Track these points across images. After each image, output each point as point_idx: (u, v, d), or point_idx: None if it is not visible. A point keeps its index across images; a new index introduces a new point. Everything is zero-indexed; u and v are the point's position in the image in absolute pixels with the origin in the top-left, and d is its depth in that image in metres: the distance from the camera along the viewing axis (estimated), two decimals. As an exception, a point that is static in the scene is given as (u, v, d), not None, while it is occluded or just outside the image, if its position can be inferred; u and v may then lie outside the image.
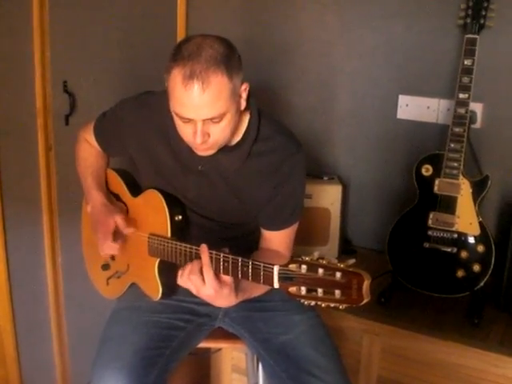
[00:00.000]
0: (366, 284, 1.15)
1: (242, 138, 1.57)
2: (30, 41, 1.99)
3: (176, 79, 1.36)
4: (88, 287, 1.93)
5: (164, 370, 1.59)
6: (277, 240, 1.67)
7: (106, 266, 1.82)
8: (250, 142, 1.57)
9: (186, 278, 1.47)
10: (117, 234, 1.69)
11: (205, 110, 1.38)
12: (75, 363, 2.36)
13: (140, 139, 1.66)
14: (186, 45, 1.38)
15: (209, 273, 1.43)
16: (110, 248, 1.70)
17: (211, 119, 1.40)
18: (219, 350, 2.25)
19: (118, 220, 1.68)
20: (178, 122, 1.45)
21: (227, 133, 1.47)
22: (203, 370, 2.45)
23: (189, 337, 1.70)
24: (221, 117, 1.41)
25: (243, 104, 1.50)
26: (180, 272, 1.49)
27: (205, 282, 1.44)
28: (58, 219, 2.20)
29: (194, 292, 1.48)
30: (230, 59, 1.39)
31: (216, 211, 1.67)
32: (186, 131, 1.45)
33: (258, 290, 1.60)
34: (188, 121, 1.41)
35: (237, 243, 1.64)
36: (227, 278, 1.44)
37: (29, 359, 2.17)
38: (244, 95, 1.48)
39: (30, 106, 2.04)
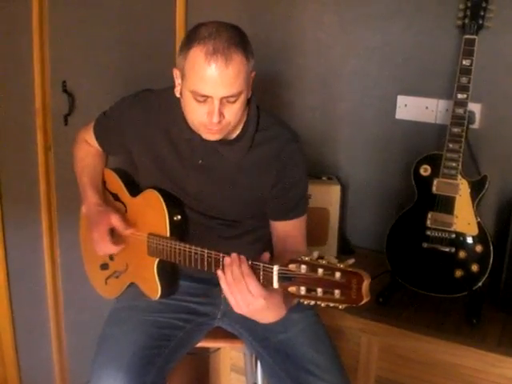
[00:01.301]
0: (366, 284, 1.15)
1: (241, 131, 1.59)
2: (30, 40, 1.99)
3: (198, 57, 1.39)
4: (87, 287, 1.93)
5: (163, 369, 1.60)
6: (290, 234, 1.66)
7: (104, 266, 1.82)
8: (251, 134, 1.59)
9: (235, 288, 1.36)
10: (116, 236, 1.70)
11: (225, 87, 1.40)
12: (74, 362, 2.36)
13: (140, 136, 1.67)
14: (204, 27, 1.41)
15: (253, 282, 1.34)
16: (108, 249, 1.70)
17: (229, 97, 1.42)
18: (218, 349, 2.25)
19: (115, 221, 1.69)
20: (192, 104, 1.46)
21: (239, 116, 1.50)
22: (202, 370, 2.46)
23: (188, 336, 1.70)
24: (237, 96, 1.43)
25: (250, 92, 1.52)
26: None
27: (252, 293, 1.35)
28: (57, 219, 2.20)
29: (243, 309, 1.37)
30: (246, 42, 1.44)
31: (216, 207, 1.67)
32: (200, 112, 1.46)
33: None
34: (204, 100, 1.43)
35: (236, 242, 1.65)
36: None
37: (27, 358, 2.17)
38: (251, 83, 1.51)
39: (29, 105, 2.04)
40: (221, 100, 1.42)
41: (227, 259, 1.39)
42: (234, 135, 1.59)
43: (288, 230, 1.67)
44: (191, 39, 1.41)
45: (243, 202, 1.65)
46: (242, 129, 1.59)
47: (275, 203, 1.65)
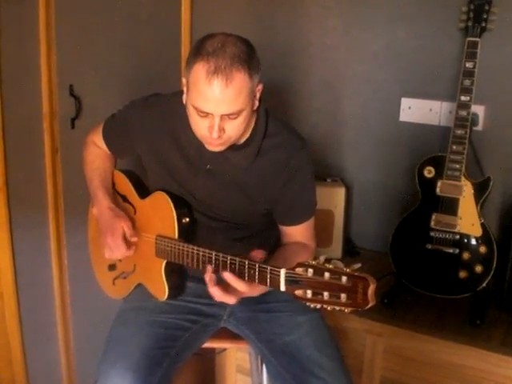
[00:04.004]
0: (372, 288, 1.17)
1: (250, 136, 1.60)
2: (37, 45, 2.01)
3: (199, 73, 1.39)
4: (94, 288, 1.95)
5: (169, 369, 1.61)
6: (298, 234, 1.70)
7: (112, 267, 1.84)
8: (259, 140, 1.60)
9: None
10: (126, 240, 1.72)
11: (225, 105, 1.41)
12: (81, 364, 2.37)
13: (148, 140, 1.69)
14: (210, 41, 1.41)
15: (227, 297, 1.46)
16: (122, 254, 1.73)
17: (229, 115, 1.43)
18: (224, 350, 2.26)
19: (126, 228, 1.71)
20: (195, 117, 1.47)
21: (241, 130, 1.51)
22: (208, 371, 2.46)
23: (194, 337, 1.72)
24: (238, 113, 1.44)
25: (256, 104, 1.53)
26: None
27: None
28: (64, 221, 2.21)
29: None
30: (252, 58, 1.43)
31: (224, 210, 1.69)
32: (201, 125, 1.47)
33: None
34: (205, 115, 1.44)
35: (244, 244, 1.67)
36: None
37: (35, 361, 2.19)
38: (258, 95, 1.52)
39: (36, 109, 2.06)
40: (221, 116, 1.43)
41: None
42: (242, 141, 1.60)
43: (297, 232, 1.70)
44: (196, 53, 1.41)
45: (250, 206, 1.67)
46: (250, 135, 1.60)
47: (283, 210, 1.68)
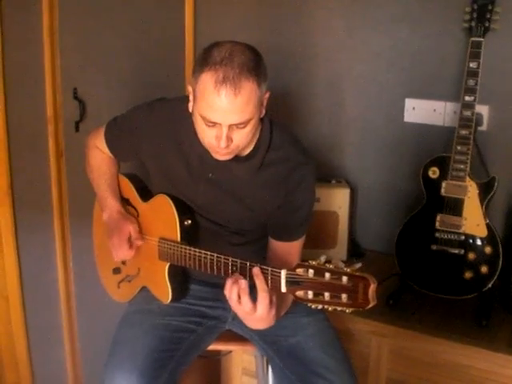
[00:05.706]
0: (372, 288, 1.16)
1: (253, 149, 1.59)
2: (41, 49, 2.02)
3: (207, 83, 1.38)
4: (99, 291, 1.95)
5: (175, 372, 1.62)
6: (285, 251, 1.67)
7: (116, 270, 1.85)
8: (263, 153, 1.58)
9: (236, 302, 1.43)
10: (131, 241, 1.74)
11: (233, 115, 1.40)
12: (87, 367, 2.37)
13: (151, 145, 1.68)
14: (218, 50, 1.40)
15: (265, 299, 1.40)
16: (125, 255, 1.73)
17: (237, 125, 1.42)
18: (229, 352, 2.26)
19: (132, 230, 1.72)
20: (202, 126, 1.46)
21: (249, 139, 1.50)
22: (213, 373, 2.46)
23: (199, 339, 1.72)
24: (246, 123, 1.43)
25: (263, 112, 1.51)
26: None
27: (256, 309, 1.41)
28: (69, 224, 2.22)
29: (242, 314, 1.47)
30: (260, 67, 1.42)
31: (224, 218, 1.68)
32: (209, 134, 1.46)
33: (287, 302, 1.61)
34: (213, 124, 1.43)
35: (244, 249, 1.67)
36: (274, 299, 1.42)
37: (41, 363, 2.20)
38: (265, 103, 1.50)
39: (40, 113, 2.07)
40: (229, 126, 1.41)
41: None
42: (246, 153, 1.59)
43: (286, 249, 1.68)
44: (204, 62, 1.40)
45: (250, 215, 1.66)
46: (254, 147, 1.58)
47: (278, 223, 1.66)
